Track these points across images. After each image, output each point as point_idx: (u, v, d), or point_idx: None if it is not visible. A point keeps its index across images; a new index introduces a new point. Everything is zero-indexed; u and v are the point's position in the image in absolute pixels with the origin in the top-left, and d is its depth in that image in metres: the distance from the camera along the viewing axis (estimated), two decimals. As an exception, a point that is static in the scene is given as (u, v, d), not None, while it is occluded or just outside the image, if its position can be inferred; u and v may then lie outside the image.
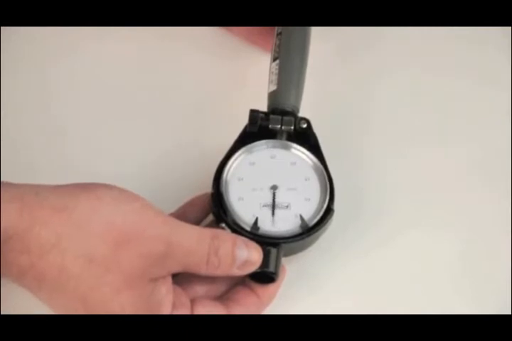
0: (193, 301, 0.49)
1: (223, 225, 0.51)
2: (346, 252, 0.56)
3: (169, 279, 0.48)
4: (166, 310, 0.47)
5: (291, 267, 0.53)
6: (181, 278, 0.50)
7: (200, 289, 0.51)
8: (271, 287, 0.51)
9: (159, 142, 0.60)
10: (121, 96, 0.62)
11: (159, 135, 0.61)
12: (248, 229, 0.50)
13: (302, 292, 0.55)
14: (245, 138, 0.54)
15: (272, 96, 0.56)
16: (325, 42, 0.63)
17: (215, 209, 0.52)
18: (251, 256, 0.49)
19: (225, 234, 0.49)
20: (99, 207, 0.46)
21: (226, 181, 0.52)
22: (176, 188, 0.56)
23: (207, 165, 0.53)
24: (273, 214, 0.51)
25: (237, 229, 0.50)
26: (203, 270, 0.48)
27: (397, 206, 0.58)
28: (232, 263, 0.49)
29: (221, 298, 0.51)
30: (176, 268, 0.48)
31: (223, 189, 0.52)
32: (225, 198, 0.51)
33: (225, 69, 0.64)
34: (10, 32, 0.63)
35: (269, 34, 0.59)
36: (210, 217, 0.54)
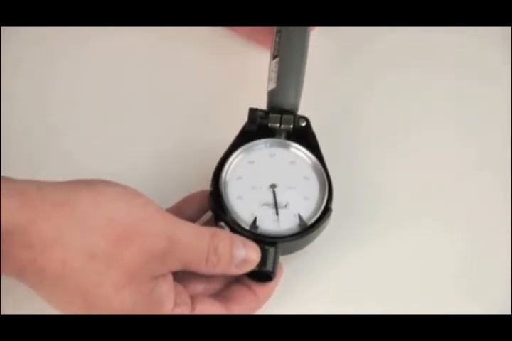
0: (192, 299, 0.49)
1: (222, 224, 0.51)
2: (346, 251, 0.56)
3: (170, 277, 0.48)
4: (168, 307, 0.47)
5: (287, 267, 0.53)
6: (180, 276, 0.50)
7: (198, 286, 0.50)
8: (268, 285, 0.51)
9: (161, 140, 0.60)
10: (123, 96, 0.62)
11: (161, 133, 0.61)
12: (247, 228, 0.50)
13: (299, 291, 0.55)
14: (244, 137, 0.54)
15: (272, 94, 0.56)
16: (325, 42, 0.63)
17: (214, 207, 0.52)
18: (249, 255, 0.49)
19: (223, 233, 0.49)
20: (101, 202, 0.46)
21: (225, 180, 0.52)
22: (175, 184, 0.56)
23: (207, 162, 0.53)
24: (277, 213, 0.51)
25: (235, 227, 0.50)
26: (203, 268, 0.48)
27: (395, 205, 0.58)
28: (231, 262, 0.49)
29: (219, 295, 0.51)
30: (176, 266, 0.48)
31: (222, 187, 0.51)
32: (224, 197, 0.51)
33: (227, 67, 0.64)
34: (10, 32, 0.63)
35: (272, 32, 0.59)
36: (207, 216, 0.54)
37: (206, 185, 0.53)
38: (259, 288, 0.51)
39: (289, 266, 0.53)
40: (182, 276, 0.50)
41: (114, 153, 0.60)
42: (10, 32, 0.63)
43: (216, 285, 0.51)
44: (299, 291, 0.55)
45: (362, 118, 0.62)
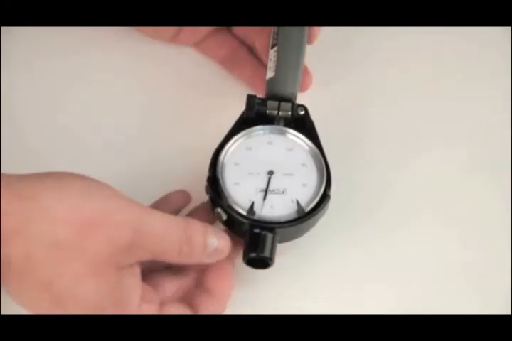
0: (161, 302, 0.49)
1: (219, 210, 0.51)
2: (345, 250, 0.56)
3: (138, 270, 0.47)
4: (134, 301, 0.47)
5: (284, 267, 0.53)
6: (149, 277, 0.50)
7: (167, 285, 0.50)
8: (225, 287, 0.50)
9: (155, 145, 0.60)
10: (121, 97, 0.62)
11: (157, 136, 0.61)
12: (244, 213, 0.50)
13: (296, 289, 0.55)
14: (242, 124, 0.54)
15: (270, 82, 0.56)
16: (324, 43, 0.63)
17: (211, 193, 0.52)
18: (220, 244, 0.49)
19: (197, 223, 0.49)
20: (67, 195, 0.46)
21: (222, 166, 0.52)
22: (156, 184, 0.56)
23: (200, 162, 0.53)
24: (264, 198, 0.51)
25: (232, 213, 0.51)
26: (175, 258, 0.48)
27: (395, 204, 0.58)
28: (203, 252, 0.49)
29: (184, 300, 0.50)
30: (145, 256, 0.47)
31: (219, 173, 0.52)
32: (221, 182, 0.51)
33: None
34: (10, 32, 0.63)
35: (263, 75, 0.58)
36: (194, 206, 0.54)
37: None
38: (218, 291, 0.50)
39: (287, 265, 0.53)
40: (150, 277, 0.50)
41: (104, 158, 0.60)
42: (10, 32, 0.63)
43: (186, 281, 0.51)
44: (295, 291, 0.55)
45: (363, 119, 0.62)
